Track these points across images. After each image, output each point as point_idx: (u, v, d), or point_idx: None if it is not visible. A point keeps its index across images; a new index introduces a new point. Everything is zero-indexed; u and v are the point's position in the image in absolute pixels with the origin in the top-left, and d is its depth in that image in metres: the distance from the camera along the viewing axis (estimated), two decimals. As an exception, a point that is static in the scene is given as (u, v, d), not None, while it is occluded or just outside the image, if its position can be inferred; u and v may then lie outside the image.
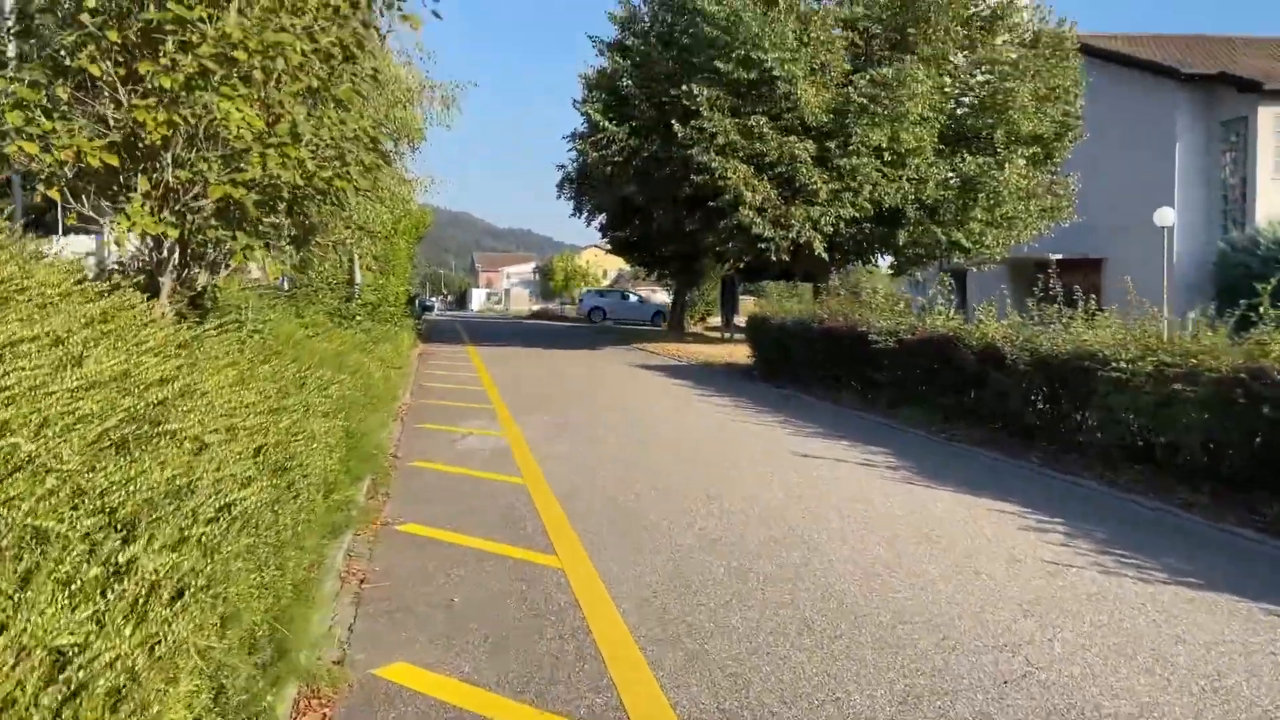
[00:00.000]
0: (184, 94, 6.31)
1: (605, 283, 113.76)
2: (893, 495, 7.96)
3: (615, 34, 26.29)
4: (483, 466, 9.29)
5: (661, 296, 55.29)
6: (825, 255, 22.10)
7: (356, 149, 7.49)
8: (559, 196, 36.63)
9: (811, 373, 16.04)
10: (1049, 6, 23.77)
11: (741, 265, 42.30)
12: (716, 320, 46.55)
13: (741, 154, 21.58)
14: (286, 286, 19.00)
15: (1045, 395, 10.35)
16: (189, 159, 6.79)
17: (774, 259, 22.53)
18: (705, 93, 21.45)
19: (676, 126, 21.79)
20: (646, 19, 25.68)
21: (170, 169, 6.72)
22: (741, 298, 45.61)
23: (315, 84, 7.23)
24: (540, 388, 16.21)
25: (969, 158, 21.65)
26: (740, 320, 37.18)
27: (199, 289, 8.26)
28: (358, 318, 17.51)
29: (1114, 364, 8.79)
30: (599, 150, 23.94)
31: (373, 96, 12.84)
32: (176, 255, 7.50)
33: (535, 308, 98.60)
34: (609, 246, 40.39)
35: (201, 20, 6.33)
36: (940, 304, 14.05)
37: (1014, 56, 21.97)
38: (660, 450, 10.20)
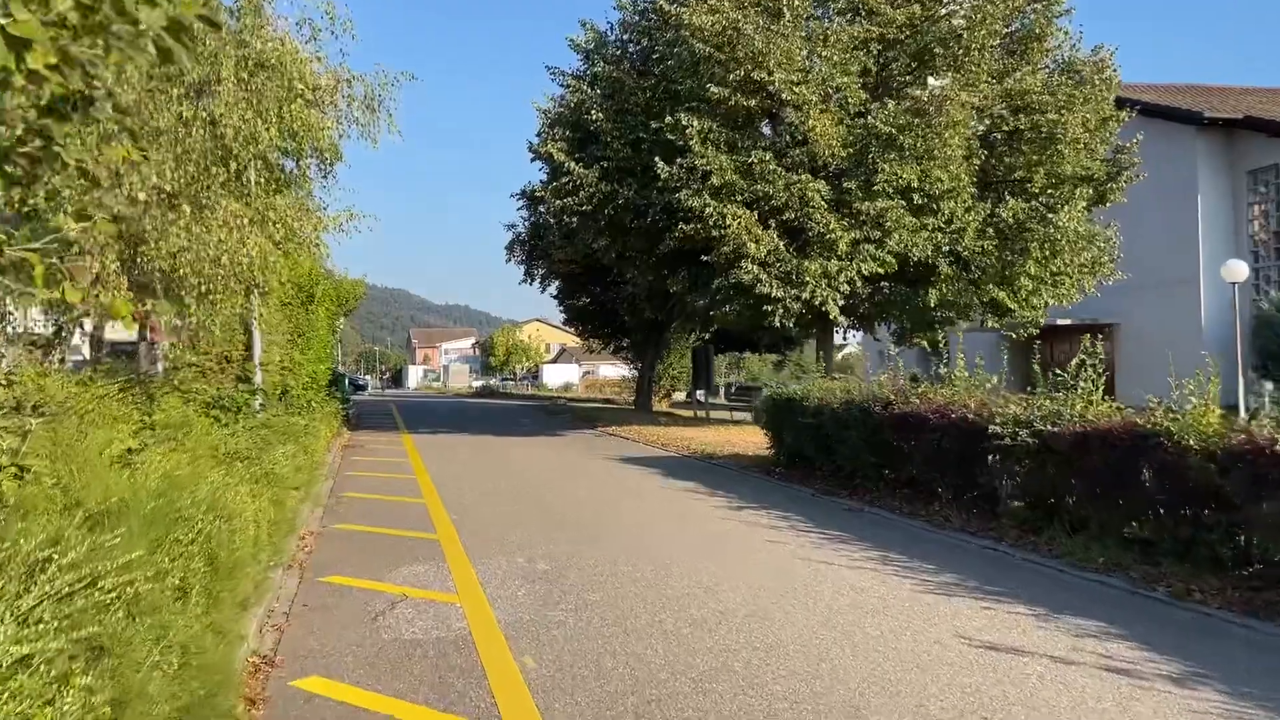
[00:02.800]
0: None
1: (549, 357, 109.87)
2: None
3: (578, 64, 22.39)
4: (429, 688, 4.87)
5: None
6: (841, 319, 18.16)
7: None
8: (508, 260, 32.51)
9: (874, 474, 11.84)
10: (1078, 32, 20.67)
11: (707, 335, 38.50)
12: (681, 396, 42.40)
13: (741, 197, 17.66)
14: (160, 367, 14.31)
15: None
16: None
17: (779, 324, 18.49)
18: (695, 124, 17.55)
19: (660, 165, 17.81)
20: (618, 44, 21.83)
21: None
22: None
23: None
24: (500, 500, 11.71)
25: (1011, 201, 18.03)
26: (703, 396, 33.19)
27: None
28: (252, 407, 12.83)
29: None
30: (561, 197, 19.80)
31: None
32: None
33: (477, 384, 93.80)
34: (563, 316, 36.16)
35: None
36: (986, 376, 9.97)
37: (1054, 83, 18.57)
38: (739, 644, 5.76)
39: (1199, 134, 25.40)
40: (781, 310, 17.44)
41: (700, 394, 31.66)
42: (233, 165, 8.73)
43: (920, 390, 11.39)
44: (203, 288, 7.82)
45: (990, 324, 19.73)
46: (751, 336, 38.96)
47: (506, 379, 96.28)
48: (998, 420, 9.09)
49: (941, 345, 27.42)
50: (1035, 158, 18.18)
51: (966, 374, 11.35)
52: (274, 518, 8.19)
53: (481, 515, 10.72)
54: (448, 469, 15.41)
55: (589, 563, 8.08)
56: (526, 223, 31.74)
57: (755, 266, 17.15)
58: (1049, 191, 18.27)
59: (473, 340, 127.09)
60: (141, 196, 7.72)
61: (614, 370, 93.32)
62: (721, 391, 32.20)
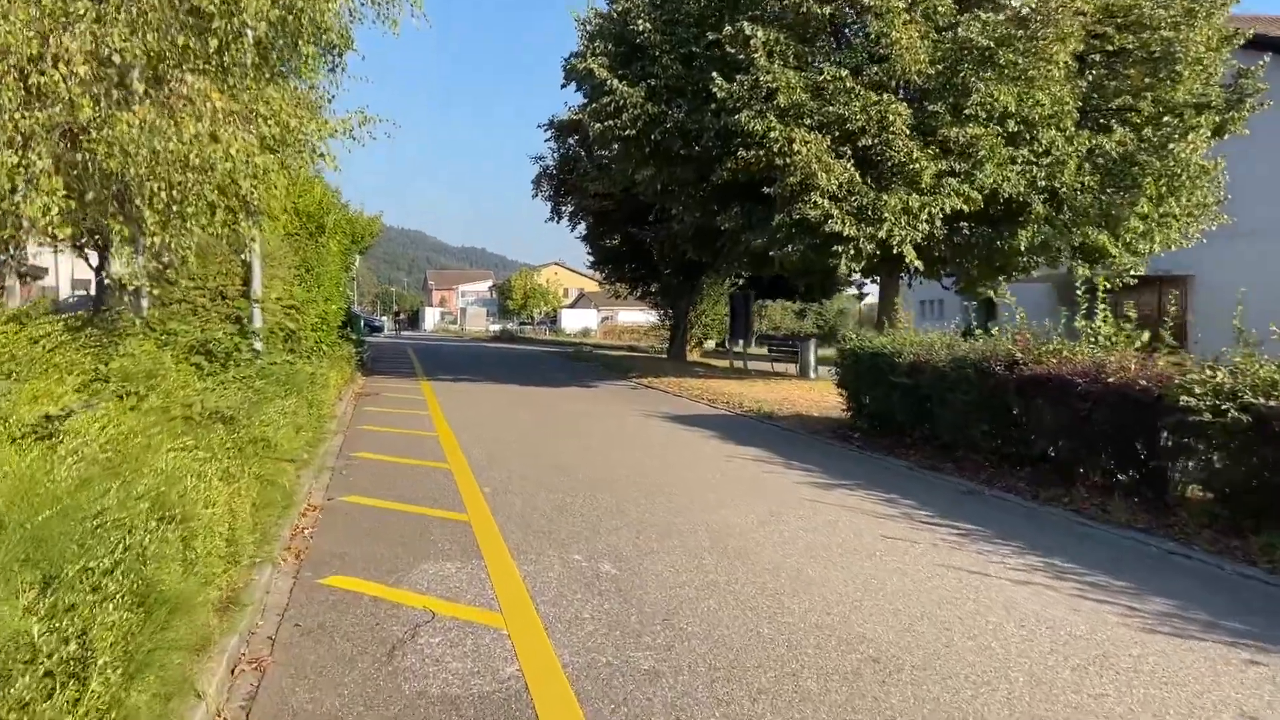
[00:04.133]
0: None
1: (567, 301, 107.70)
2: None
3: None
4: None
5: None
6: (917, 262, 15.99)
7: None
8: (534, 195, 30.30)
9: (985, 447, 9.87)
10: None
11: (741, 281, 36.25)
12: (711, 345, 40.35)
13: (810, 120, 15.42)
14: (144, 304, 12.41)
15: None
16: None
17: (845, 268, 16.38)
18: (760, 34, 15.25)
19: (718, 82, 15.55)
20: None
21: None
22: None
23: None
24: (538, 467, 9.80)
25: (1118, 131, 15.71)
26: (740, 346, 31.23)
27: None
28: (245, 353, 10.90)
29: None
30: (601, 120, 17.57)
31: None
32: None
33: (495, 328, 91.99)
34: (590, 258, 34.00)
35: None
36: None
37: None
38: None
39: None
40: (853, 251, 15.31)
41: (738, 344, 29.65)
42: (212, 42, 6.68)
43: (1049, 347, 9.32)
44: (165, 198, 5.85)
45: (1080, 271, 17.50)
46: (791, 283, 36.75)
47: (524, 323, 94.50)
48: (1195, 389, 7.03)
49: (1006, 297, 25.25)
50: (1146, 82, 15.78)
51: (1113, 326, 9.29)
52: (260, 499, 6.30)
53: (518, 488, 8.82)
54: (473, 424, 13.52)
55: (666, 568, 6.16)
56: (555, 155, 29.48)
57: (825, 200, 14.99)
58: (1159, 120, 15.90)
59: (490, 283, 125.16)
60: (81, 70, 5.70)
61: (634, 316, 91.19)
62: (750, 341, 30.08)
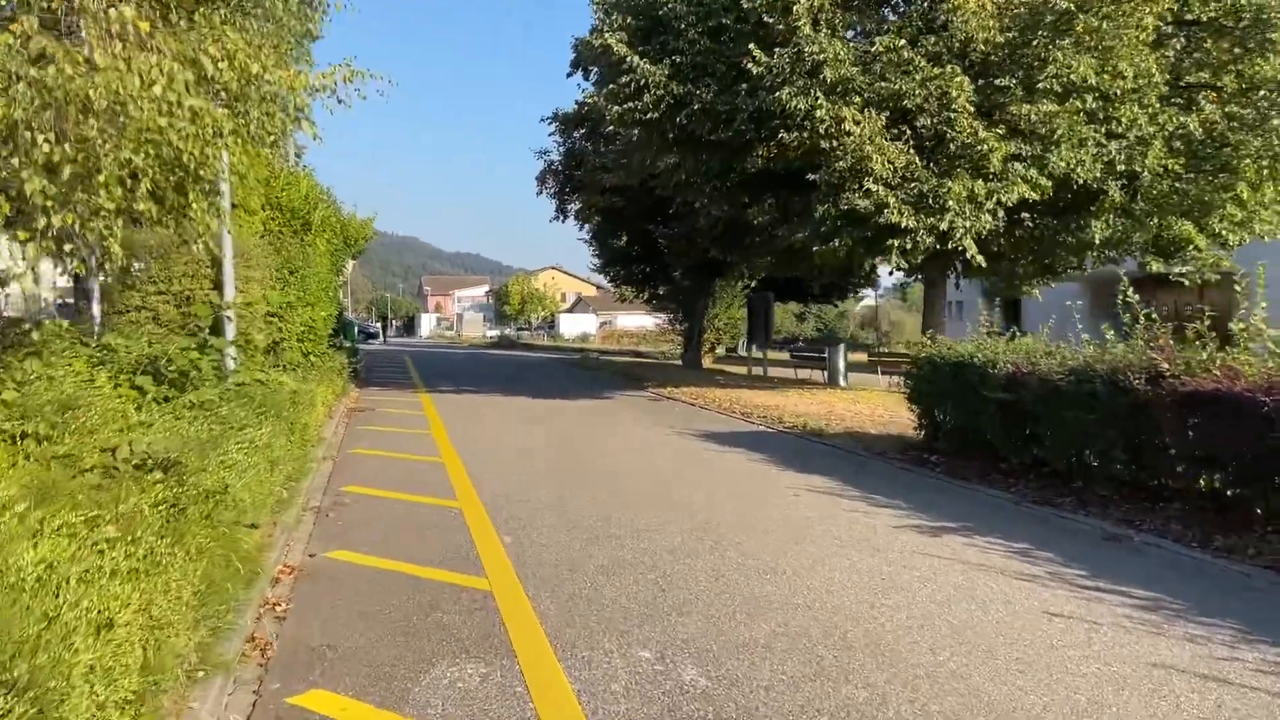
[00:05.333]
0: None
1: (564, 306, 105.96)
2: None
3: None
4: None
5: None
6: (979, 257, 14.17)
7: None
8: (539, 193, 28.52)
9: (1115, 475, 8.07)
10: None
11: (754, 282, 34.39)
12: (721, 351, 38.44)
13: (861, 96, 13.63)
14: (97, 310, 10.63)
15: None
16: None
17: (896, 263, 14.59)
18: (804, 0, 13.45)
19: (755, 54, 13.74)
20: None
21: None
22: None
23: None
24: (566, 504, 7.97)
25: (1207, 107, 13.92)
26: (755, 351, 29.55)
27: None
28: (209, 372, 9.00)
29: None
30: (619, 103, 15.73)
31: None
32: None
33: (492, 334, 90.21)
34: (596, 260, 32.10)
35: None
36: None
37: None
38: None
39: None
40: (909, 245, 13.51)
41: (755, 349, 27.82)
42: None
43: (1207, 357, 7.54)
44: (58, 155, 4.04)
45: (1153, 267, 15.71)
46: (807, 284, 34.89)
47: (522, 328, 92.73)
48: None
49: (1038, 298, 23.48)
50: (1234, 53, 13.98)
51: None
52: (205, 583, 4.47)
53: (546, 536, 7.00)
54: (482, 447, 11.69)
55: (776, 675, 4.34)
56: (561, 149, 27.66)
57: (880, 187, 13.19)
58: (1247, 96, 14.11)
59: (486, 288, 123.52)
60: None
61: (634, 320, 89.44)
62: (750, 345, 28.13)
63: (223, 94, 5.57)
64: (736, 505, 8.28)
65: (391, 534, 7.14)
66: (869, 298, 71.45)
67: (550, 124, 27.55)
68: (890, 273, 16.59)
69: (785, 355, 29.06)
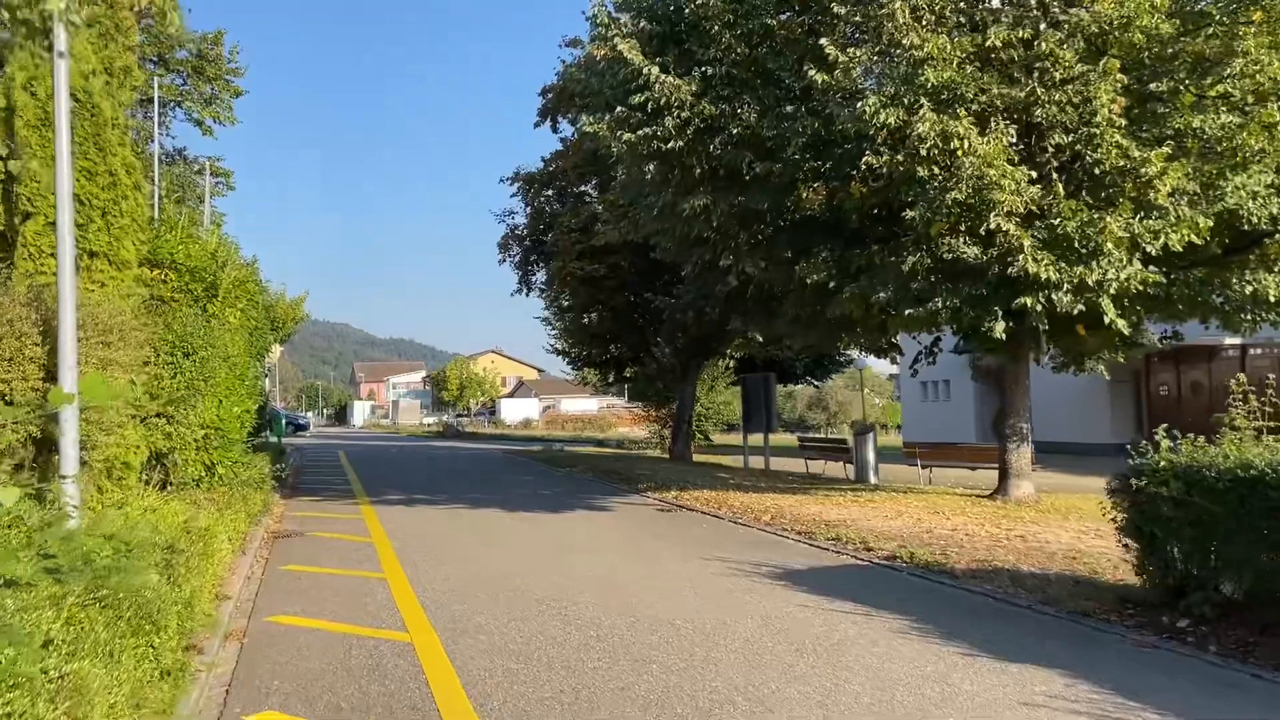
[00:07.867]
0: None
1: (505, 391, 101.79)
2: None
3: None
4: None
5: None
6: (1120, 322, 10.63)
7: None
8: (501, 260, 24.69)
9: None
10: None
11: (735, 360, 30.77)
12: (709, 438, 34.44)
13: (967, 108, 10.18)
14: None
15: None
16: None
17: (1035, 336, 10.99)
18: (891, -20, 10.03)
19: (826, 51, 10.24)
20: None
21: None
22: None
23: None
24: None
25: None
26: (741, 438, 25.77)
27: None
28: (22, 512, 4.85)
29: None
30: (633, 129, 12.05)
31: None
32: None
33: (430, 421, 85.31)
34: (557, 342, 28.15)
35: None
36: None
37: None
38: None
39: None
40: (1050, 302, 9.92)
41: (764, 435, 23.95)
42: None
43: None
44: None
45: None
46: (788, 364, 31.42)
47: (461, 415, 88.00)
48: None
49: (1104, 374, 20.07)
50: None
51: None
52: None
53: None
54: (462, 604, 7.42)
55: None
56: (527, 210, 23.94)
57: (1011, 223, 9.66)
58: None
59: (422, 374, 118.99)
60: None
61: (579, 405, 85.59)
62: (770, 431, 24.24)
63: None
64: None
65: None
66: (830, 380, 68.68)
67: (511, 184, 23.91)
68: (1033, 345, 12.48)
69: (760, 440, 24.99)
